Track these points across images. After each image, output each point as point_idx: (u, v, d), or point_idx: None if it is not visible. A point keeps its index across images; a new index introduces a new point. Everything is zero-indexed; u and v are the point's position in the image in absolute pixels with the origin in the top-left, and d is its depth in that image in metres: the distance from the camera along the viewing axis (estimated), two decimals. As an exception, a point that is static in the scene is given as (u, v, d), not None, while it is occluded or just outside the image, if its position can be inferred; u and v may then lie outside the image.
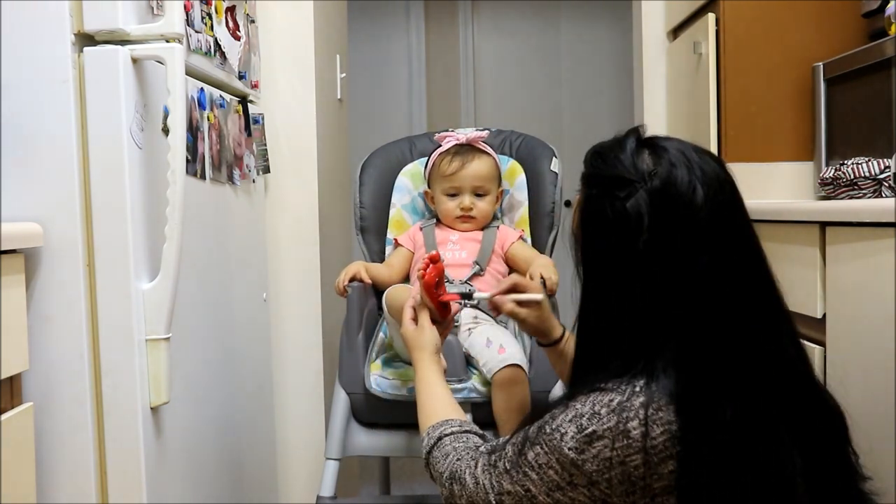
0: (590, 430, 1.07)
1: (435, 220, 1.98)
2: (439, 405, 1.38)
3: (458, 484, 1.20)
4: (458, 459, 1.23)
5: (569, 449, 1.08)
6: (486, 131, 2.02)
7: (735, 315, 1.10)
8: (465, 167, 1.90)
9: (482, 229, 1.94)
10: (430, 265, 1.48)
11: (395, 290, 1.76)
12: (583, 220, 1.18)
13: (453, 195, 1.92)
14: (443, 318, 1.53)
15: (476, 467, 1.19)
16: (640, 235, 1.09)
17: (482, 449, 1.23)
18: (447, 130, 2.03)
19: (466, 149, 1.92)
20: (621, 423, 1.06)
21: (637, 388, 1.08)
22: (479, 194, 1.92)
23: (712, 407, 1.06)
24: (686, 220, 1.10)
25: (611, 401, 1.07)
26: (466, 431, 1.29)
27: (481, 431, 1.33)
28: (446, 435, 1.28)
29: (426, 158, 2.02)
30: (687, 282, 1.09)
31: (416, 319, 1.51)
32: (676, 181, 1.11)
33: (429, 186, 1.99)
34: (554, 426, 1.11)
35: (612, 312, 1.13)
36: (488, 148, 1.95)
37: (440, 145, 1.96)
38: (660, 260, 1.09)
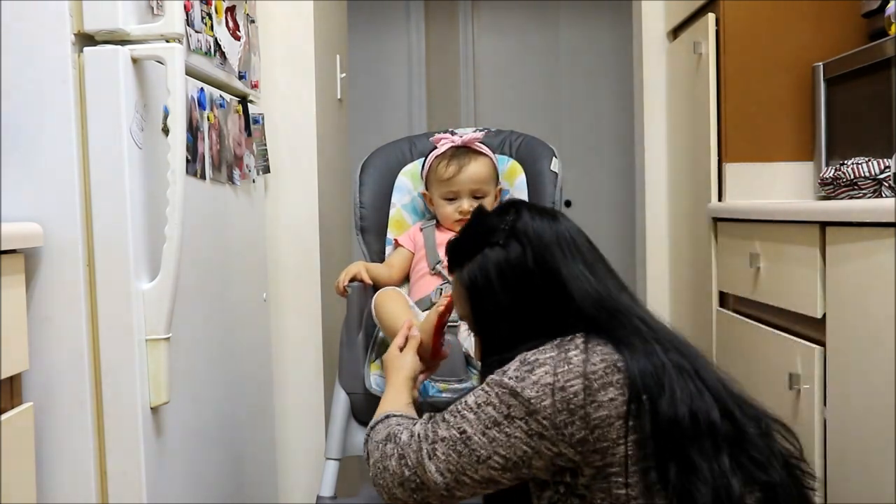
0: (531, 359, 1.16)
1: (435, 221, 1.98)
2: (394, 408, 1.41)
3: (392, 442, 1.25)
4: (398, 425, 1.28)
5: (509, 378, 1.16)
6: (483, 132, 2.02)
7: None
8: (463, 171, 1.89)
9: (482, 229, 1.94)
10: (446, 313, 1.54)
11: (384, 295, 1.77)
12: (473, 286, 1.29)
13: (451, 199, 1.92)
14: (433, 359, 1.57)
15: (414, 425, 1.26)
16: (525, 259, 1.26)
17: (418, 421, 1.28)
18: (443, 132, 2.03)
19: (463, 151, 1.92)
20: (563, 352, 1.16)
21: (577, 339, 1.19)
22: (477, 196, 1.91)
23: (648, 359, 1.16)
24: (544, 240, 1.27)
25: (552, 344, 1.18)
26: (405, 417, 1.33)
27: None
28: (394, 416, 1.33)
29: (425, 159, 2.02)
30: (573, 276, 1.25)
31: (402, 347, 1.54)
32: (526, 219, 1.29)
33: (426, 188, 1.99)
34: (496, 373, 1.19)
35: (522, 334, 1.24)
36: (484, 148, 1.95)
37: (436, 147, 1.95)
38: (547, 268, 1.26)
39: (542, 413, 1.13)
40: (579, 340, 1.18)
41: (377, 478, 1.26)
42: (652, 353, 1.17)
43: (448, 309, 1.53)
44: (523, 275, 1.25)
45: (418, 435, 1.22)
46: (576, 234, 1.30)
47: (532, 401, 1.13)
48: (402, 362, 1.51)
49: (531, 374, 1.14)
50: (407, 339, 1.55)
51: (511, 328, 1.25)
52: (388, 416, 1.34)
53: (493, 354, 1.26)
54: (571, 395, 1.12)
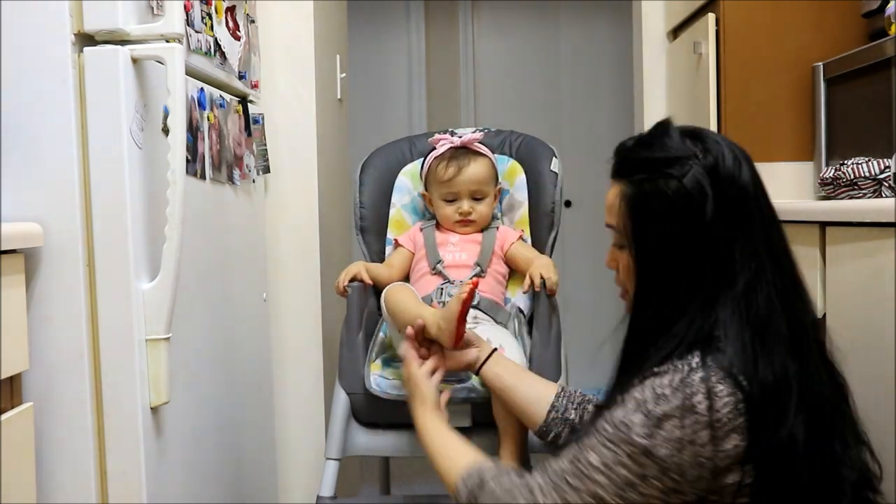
0: (658, 412, 1.07)
1: (435, 222, 1.98)
2: (458, 452, 1.34)
3: None
4: (507, 491, 1.17)
5: (638, 437, 1.07)
6: (483, 132, 2.01)
7: (785, 288, 1.16)
8: (462, 172, 1.89)
9: (482, 230, 1.94)
10: (474, 290, 1.50)
11: (393, 289, 1.76)
12: (635, 208, 1.18)
13: (451, 200, 1.92)
14: (456, 346, 1.53)
15: (534, 493, 1.14)
16: (703, 210, 1.12)
17: (531, 479, 1.17)
18: (443, 132, 2.02)
19: (462, 152, 1.92)
20: (686, 399, 1.06)
21: (693, 365, 1.09)
22: (476, 198, 1.91)
23: (775, 378, 1.09)
24: (739, 194, 1.14)
25: (671, 381, 1.08)
26: (504, 471, 1.23)
27: (517, 468, 1.28)
28: (487, 478, 1.22)
29: (424, 159, 2.02)
30: (747, 254, 1.13)
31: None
32: (725, 158, 1.15)
33: (426, 189, 1.99)
34: (616, 422, 1.10)
35: (676, 294, 1.14)
36: (483, 148, 1.95)
37: (434, 148, 1.95)
38: (724, 233, 1.12)
39: (676, 470, 1.07)
40: (697, 378, 1.07)
41: None
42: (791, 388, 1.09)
43: (471, 295, 1.49)
44: (698, 230, 1.12)
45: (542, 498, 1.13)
46: (767, 199, 1.18)
47: (665, 460, 1.07)
48: (423, 390, 1.48)
49: (660, 430, 1.06)
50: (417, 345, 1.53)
51: (658, 284, 1.15)
52: (482, 482, 1.21)
53: (638, 311, 1.18)
54: (700, 448, 1.06)
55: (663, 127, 1.20)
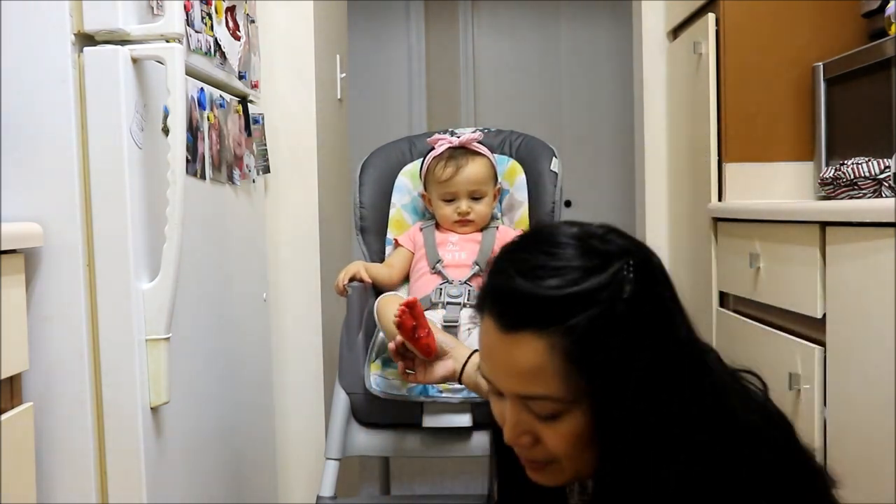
0: None
1: (434, 221, 1.98)
2: None
3: None
4: None
5: None
6: (482, 132, 2.02)
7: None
8: (460, 172, 1.89)
9: (481, 230, 1.94)
10: (406, 311, 1.48)
11: (382, 301, 1.76)
12: (584, 358, 0.87)
13: (450, 200, 1.92)
14: (428, 356, 1.53)
15: None
16: (657, 317, 0.90)
17: None
18: (442, 132, 2.03)
19: (460, 152, 1.92)
20: None
21: None
22: (475, 197, 1.91)
23: None
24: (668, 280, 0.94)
25: None
26: None
27: None
28: None
29: (424, 159, 2.02)
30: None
31: None
32: (640, 248, 0.94)
33: (425, 189, 1.99)
34: None
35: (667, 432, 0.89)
36: (482, 148, 1.95)
37: (433, 148, 1.95)
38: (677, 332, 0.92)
39: None
40: None
41: None
42: None
43: (405, 318, 1.47)
44: (673, 356, 0.89)
45: None
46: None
47: None
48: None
49: None
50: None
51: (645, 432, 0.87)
52: None
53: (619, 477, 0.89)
54: None
55: (546, 241, 0.92)
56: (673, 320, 0.91)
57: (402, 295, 1.82)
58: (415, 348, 1.53)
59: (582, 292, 0.86)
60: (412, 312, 1.49)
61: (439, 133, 2.02)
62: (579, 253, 0.89)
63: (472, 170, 1.90)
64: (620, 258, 0.88)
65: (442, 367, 1.56)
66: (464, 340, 1.75)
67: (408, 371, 1.58)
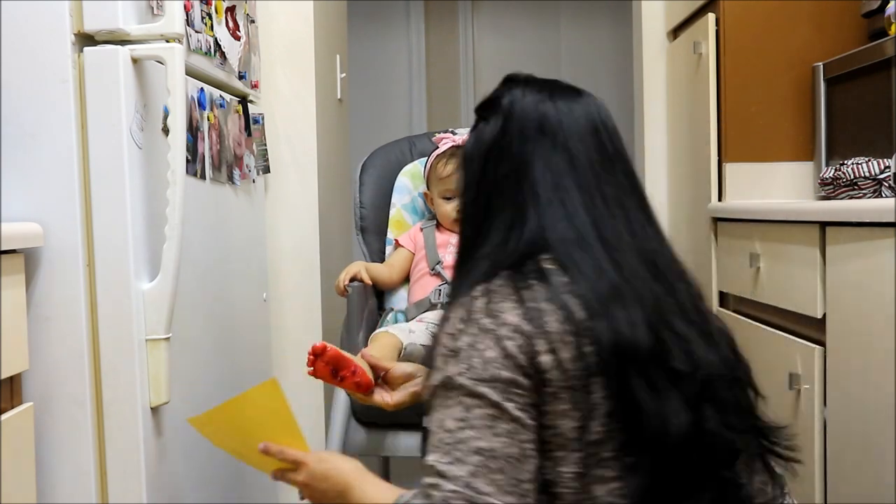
0: (459, 345, 1.03)
1: (435, 222, 1.98)
2: (385, 493, 1.14)
3: None
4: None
5: (460, 377, 1.02)
6: None
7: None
8: (460, 170, 1.89)
9: (482, 230, 1.94)
10: (313, 359, 1.43)
11: (374, 339, 1.71)
12: (470, 145, 1.21)
13: (449, 198, 1.92)
14: (366, 392, 1.46)
15: (437, 491, 1.00)
16: (500, 139, 1.16)
17: (424, 483, 1.03)
18: (446, 131, 2.03)
19: (462, 150, 1.92)
20: (475, 323, 1.04)
21: (478, 293, 1.06)
22: None
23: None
24: (534, 125, 1.15)
25: (461, 316, 1.05)
26: (417, 491, 1.04)
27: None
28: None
29: (426, 158, 2.02)
30: (546, 181, 1.13)
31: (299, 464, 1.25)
32: (516, 94, 1.18)
33: (427, 187, 1.99)
34: (439, 382, 1.04)
35: (479, 218, 1.16)
36: None
37: (438, 147, 1.96)
38: (517, 158, 1.15)
39: (512, 382, 1.00)
40: (480, 304, 1.05)
41: None
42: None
43: (320, 364, 1.44)
44: (499, 160, 1.14)
45: (453, 492, 0.98)
46: (578, 124, 1.15)
47: (497, 377, 1.00)
48: (337, 474, 1.20)
49: (472, 358, 1.01)
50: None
51: (477, 218, 1.15)
52: None
53: (463, 252, 1.17)
54: (508, 349, 1.01)
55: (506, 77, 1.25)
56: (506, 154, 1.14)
57: (394, 332, 1.72)
58: (344, 388, 1.47)
59: (475, 117, 1.22)
60: (323, 358, 1.43)
61: (443, 132, 2.02)
62: (486, 99, 1.23)
63: None
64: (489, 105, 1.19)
65: (403, 399, 1.48)
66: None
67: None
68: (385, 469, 2.37)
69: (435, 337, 1.09)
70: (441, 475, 1.00)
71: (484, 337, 1.02)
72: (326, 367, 1.44)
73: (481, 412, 1.00)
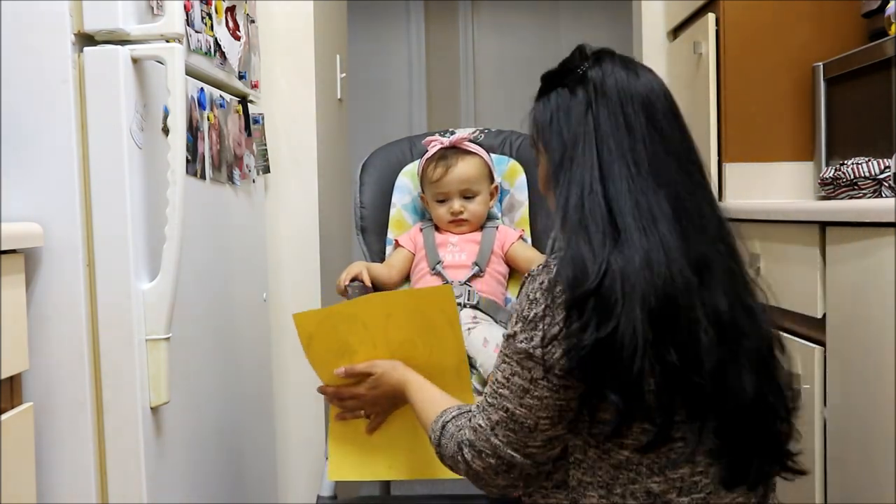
0: (531, 315, 1.14)
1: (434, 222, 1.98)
2: (436, 402, 1.37)
3: (466, 446, 1.20)
4: (459, 430, 1.24)
5: (521, 342, 1.15)
6: (481, 132, 2.02)
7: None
8: (450, 172, 1.89)
9: (481, 229, 1.94)
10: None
11: None
12: (542, 114, 1.27)
13: (442, 201, 1.92)
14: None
15: (472, 421, 1.22)
16: (581, 110, 1.21)
17: (474, 408, 1.24)
18: (441, 133, 2.03)
19: (451, 152, 1.92)
20: (552, 296, 1.12)
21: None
22: (467, 196, 1.91)
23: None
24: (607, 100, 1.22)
25: (542, 283, 1.14)
26: (464, 412, 1.28)
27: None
28: (447, 421, 1.28)
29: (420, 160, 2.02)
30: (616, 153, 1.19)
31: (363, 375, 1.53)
32: (606, 68, 1.23)
33: (422, 191, 2.00)
34: (506, 335, 1.18)
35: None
36: (474, 147, 1.95)
37: (427, 150, 1.96)
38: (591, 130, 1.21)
39: (557, 367, 1.12)
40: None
41: (478, 483, 1.23)
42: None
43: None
44: (577, 132, 1.19)
45: (482, 428, 1.19)
46: (652, 103, 1.21)
47: (546, 357, 1.12)
48: (394, 376, 1.48)
49: (536, 332, 1.13)
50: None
51: (556, 182, 1.21)
52: (444, 427, 1.27)
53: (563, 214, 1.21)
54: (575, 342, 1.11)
55: (577, 48, 1.28)
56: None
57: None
58: None
59: (547, 84, 1.29)
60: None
61: (436, 134, 2.02)
62: (563, 66, 1.28)
63: (463, 169, 1.90)
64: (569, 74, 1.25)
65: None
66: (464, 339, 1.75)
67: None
68: (385, 469, 2.36)
69: (522, 286, 1.19)
70: (481, 408, 1.20)
71: (554, 312, 1.12)
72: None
73: (519, 381, 1.15)
